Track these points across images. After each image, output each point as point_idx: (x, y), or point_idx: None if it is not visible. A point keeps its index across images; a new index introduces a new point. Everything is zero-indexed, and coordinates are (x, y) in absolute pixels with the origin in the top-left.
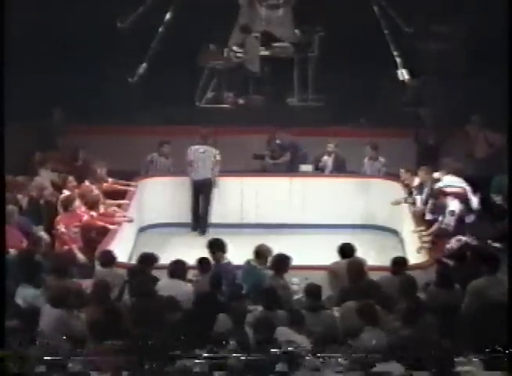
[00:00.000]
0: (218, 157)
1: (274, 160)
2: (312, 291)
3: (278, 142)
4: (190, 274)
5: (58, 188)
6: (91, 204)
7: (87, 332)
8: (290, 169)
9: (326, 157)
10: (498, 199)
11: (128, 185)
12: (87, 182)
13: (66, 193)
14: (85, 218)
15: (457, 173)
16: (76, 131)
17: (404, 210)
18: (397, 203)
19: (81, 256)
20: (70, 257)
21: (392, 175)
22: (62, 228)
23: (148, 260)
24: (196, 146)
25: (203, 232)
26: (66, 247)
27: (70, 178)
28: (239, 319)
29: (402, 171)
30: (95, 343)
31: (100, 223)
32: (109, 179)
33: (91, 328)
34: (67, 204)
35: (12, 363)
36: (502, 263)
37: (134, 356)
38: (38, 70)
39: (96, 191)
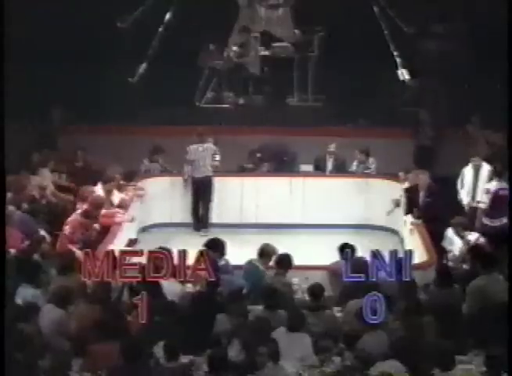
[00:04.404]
0: (217, 152)
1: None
2: (315, 290)
3: (258, 155)
4: None
5: (61, 189)
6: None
7: (87, 333)
8: (290, 169)
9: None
10: None
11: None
12: (99, 185)
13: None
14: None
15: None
16: (76, 131)
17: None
18: (396, 203)
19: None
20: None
21: (392, 175)
22: (67, 230)
23: None
24: (195, 145)
25: (205, 228)
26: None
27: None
28: (240, 320)
29: (401, 174)
30: (94, 344)
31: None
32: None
33: (91, 329)
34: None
35: None
36: (500, 263)
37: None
38: (38, 70)
39: (101, 193)
